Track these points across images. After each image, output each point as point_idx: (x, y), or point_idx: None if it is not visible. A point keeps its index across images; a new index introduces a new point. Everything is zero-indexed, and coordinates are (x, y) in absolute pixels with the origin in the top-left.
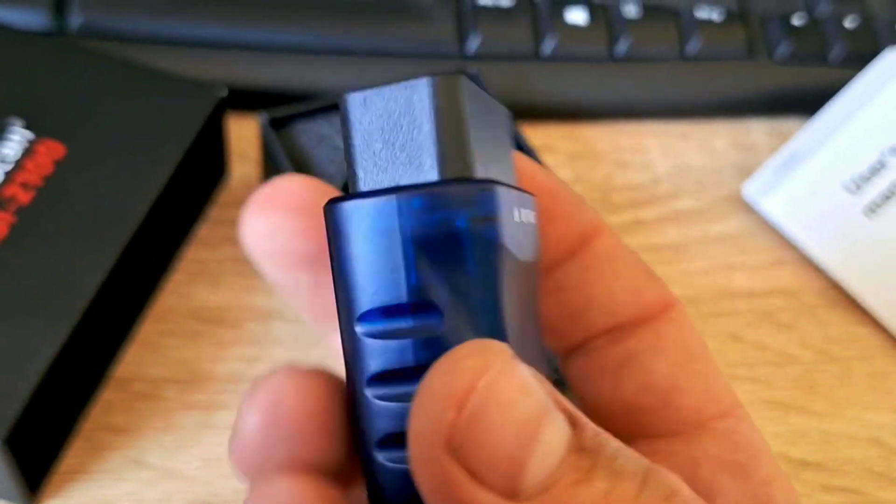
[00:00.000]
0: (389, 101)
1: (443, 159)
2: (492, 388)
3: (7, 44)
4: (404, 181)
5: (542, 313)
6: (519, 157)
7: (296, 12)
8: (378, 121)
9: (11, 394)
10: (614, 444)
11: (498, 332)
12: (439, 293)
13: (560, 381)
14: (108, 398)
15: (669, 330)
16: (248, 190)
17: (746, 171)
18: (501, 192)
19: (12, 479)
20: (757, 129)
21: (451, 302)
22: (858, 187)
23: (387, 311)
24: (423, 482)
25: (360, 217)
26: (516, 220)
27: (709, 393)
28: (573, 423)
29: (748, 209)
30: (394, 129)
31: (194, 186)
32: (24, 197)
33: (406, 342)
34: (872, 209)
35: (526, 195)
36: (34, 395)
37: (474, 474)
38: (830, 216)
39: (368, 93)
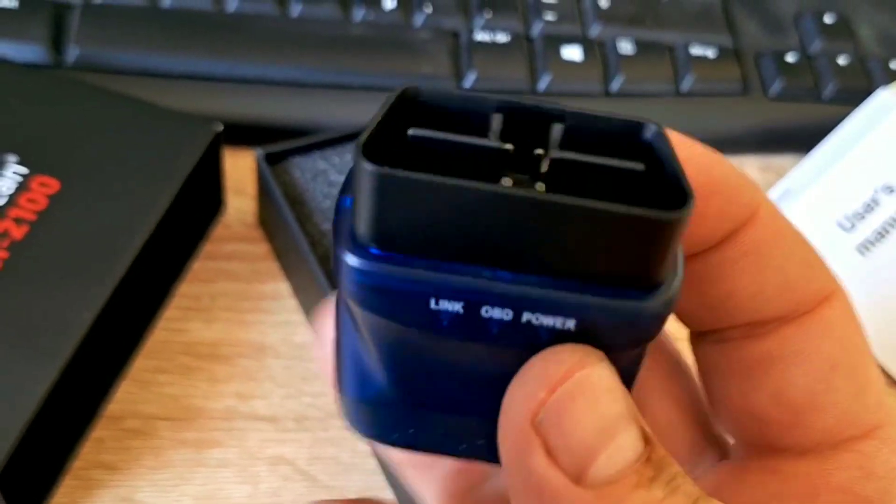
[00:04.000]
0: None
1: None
2: (584, 383)
3: (2, 78)
4: None
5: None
6: (672, 134)
7: (293, 47)
8: None
9: (3, 431)
10: (677, 468)
11: None
12: None
13: None
14: (99, 435)
15: (819, 330)
16: (244, 224)
17: None
18: None
19: None
20: (750, 165)
21: None
22: (853, 225)
23: None
24: (505, 448)
25: None
26: None
27: (849, 414)
28: (646, 440)
29: None
30: None
31: (190, 221)
32: (18, 232)
33: None
34: (866, 247)
35: None
36: (26, 433)
37: (550, 451)
38: (824, 253)
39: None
